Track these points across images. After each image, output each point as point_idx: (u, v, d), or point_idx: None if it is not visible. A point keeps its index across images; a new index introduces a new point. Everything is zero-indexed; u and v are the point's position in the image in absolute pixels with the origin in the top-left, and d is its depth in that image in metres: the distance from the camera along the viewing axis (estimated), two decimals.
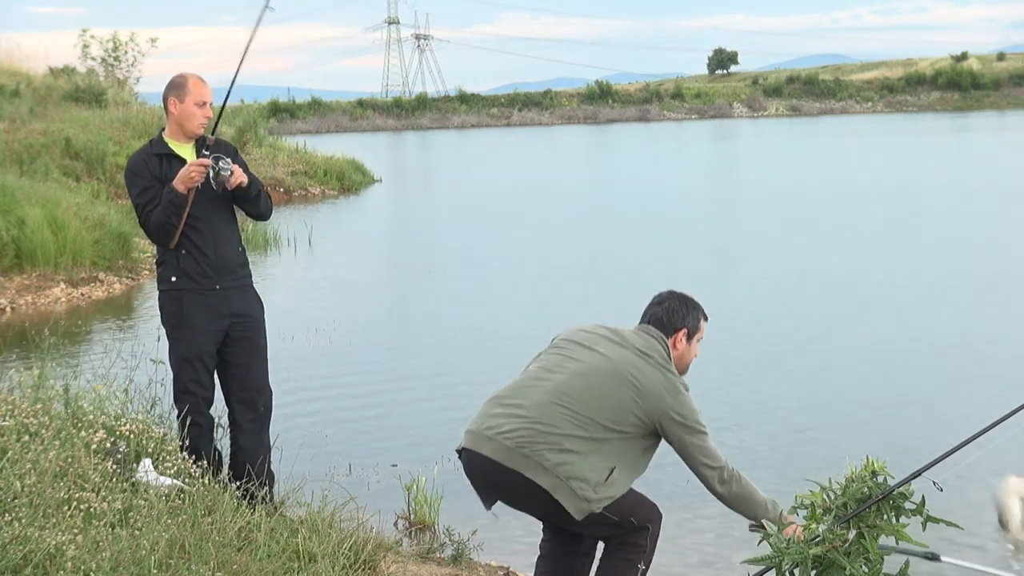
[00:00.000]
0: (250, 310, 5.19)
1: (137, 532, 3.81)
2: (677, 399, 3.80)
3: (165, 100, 5.08)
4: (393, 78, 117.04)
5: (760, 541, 3.93)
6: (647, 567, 3.85)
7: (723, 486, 3.79)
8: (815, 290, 12.54)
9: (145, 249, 13.96)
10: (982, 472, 6.08)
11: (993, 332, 10.15)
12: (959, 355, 9.40)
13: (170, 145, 5.05)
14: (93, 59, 28.14)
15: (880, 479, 3.87)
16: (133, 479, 4.44)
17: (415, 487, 5.76)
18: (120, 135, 20.92)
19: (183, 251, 4.99)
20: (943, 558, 3.95)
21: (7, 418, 4.72)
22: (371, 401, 8.37)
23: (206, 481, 4.54)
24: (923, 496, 3.85)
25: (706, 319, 4.11)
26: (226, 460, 5.30)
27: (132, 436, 4.78)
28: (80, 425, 4.85)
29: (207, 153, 4.98)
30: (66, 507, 3.89)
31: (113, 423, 4.98)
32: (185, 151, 5.06)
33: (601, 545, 3.97)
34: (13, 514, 3.65)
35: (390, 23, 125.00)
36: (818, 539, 3.81)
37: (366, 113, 73.20)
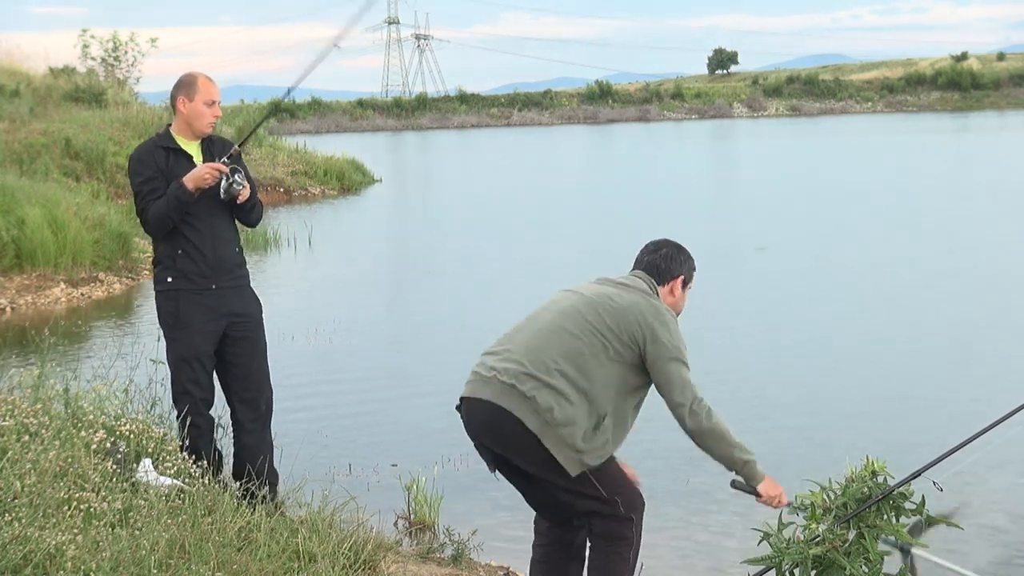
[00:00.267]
0: (248, 309, 5.19)
1: (137, 532, 3.81)
2: (660, 320, 3.76)
3: (174, 98, 5.09)
4: (393, 78, 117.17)
5: (760, 541, 3.94)
6: (635, 558, 3.85)
7: (693, 417, 3.71)
8: (815, 290, 12.54)
9: (145, 249, 13.95)
10: (982, 472, 6.10)
11: (993, 332, 10.15)
12: (959, 355, 9.40)
13: (177, 141, 5.06)
14: (93, 59, 28.16)
15: (880, 479, 3.88)
16: (133, 479, 4.44)
17: (415, 487, 5.76)
18: (120, 135, 20.93)
19: (180, 251, 4.98)
20: (914, 551, 3.95)
21: (7, 418, 4.72)
22: (371, 401, 8.37)
23: (206, 481, 4.55)
24: (923, 496, 3.85)
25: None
26: (227, 460, 5.30)
27: (132, 436, 4.78)
28: (80, 425, 4.85)
29: (227, 161, 4.98)
30: (66, 507, 3.89)
31: (113, 423, 4.98)
32: (191, 148, 5.06)
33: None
34: (13, 514, 3.65)
35: (390, 23, 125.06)
36: (818, 539, 3.81)
37: (366, 113, 73.23)
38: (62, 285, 12.59)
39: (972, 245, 15.34)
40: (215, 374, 5.17)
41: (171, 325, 5.03)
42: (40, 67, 26.39)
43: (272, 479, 5.18)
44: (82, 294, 12.56)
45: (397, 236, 19.79)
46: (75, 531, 3.70)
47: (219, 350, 5.11)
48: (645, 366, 3.76)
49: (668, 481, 5.95)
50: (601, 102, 76.18)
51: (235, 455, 5.23)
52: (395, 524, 5.70)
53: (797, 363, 9.32)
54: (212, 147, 5.09)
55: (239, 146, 5.14)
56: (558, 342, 3.73)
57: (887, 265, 13.86)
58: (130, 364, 6.37)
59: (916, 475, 3.84)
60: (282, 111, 66.42)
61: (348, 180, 26.81)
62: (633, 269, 4.01)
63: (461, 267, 15.00)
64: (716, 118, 71.74)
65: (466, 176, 32.79)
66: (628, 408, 3.81)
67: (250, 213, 5.18)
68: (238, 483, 4.95)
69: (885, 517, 3.84)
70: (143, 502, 4.13)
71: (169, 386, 5.20)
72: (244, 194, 5.00)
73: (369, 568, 4.28)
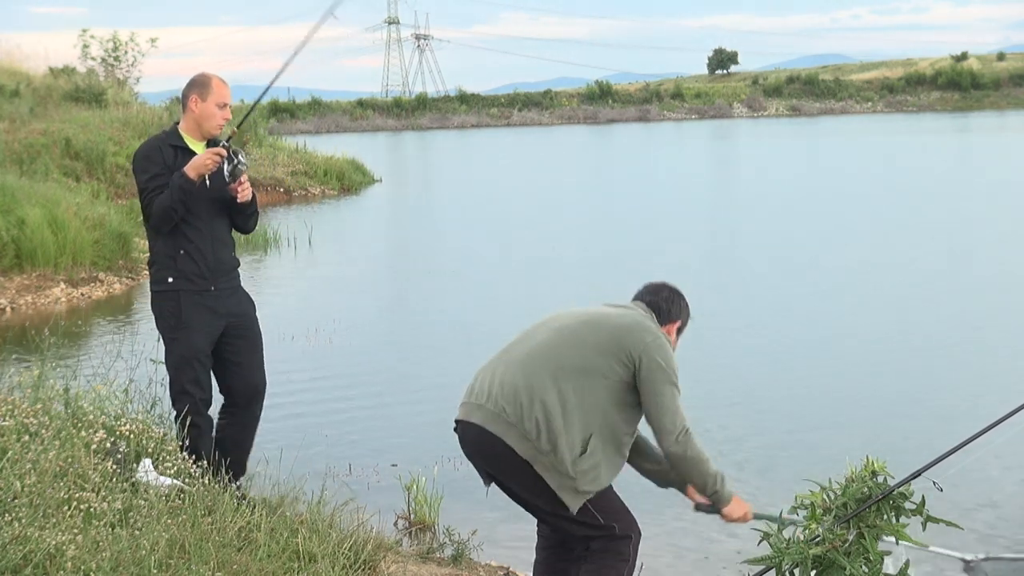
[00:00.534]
0: (245, 309, 5.22)
1: (137, 532, 3.81)
2: (659, 343, 3.75)
3: (186, 96, 5.09)
4: (393, 78, 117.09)
5: (760, 541, 3.94)
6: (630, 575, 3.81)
7: (678, 446, 3.69)
8: (814, 290, 12.54)
9: (145, 249, 13.91)
10: (982, 472, 6.10)
11: (993, 332, 10.16)
12: (959, 354, 9.40)
13: (185, 139, 5.07)
14: (93, 59, 28.18)
15: (880, 479, 3.88)
16: (133, 479, 4.44)
17: (415, 487, 5.76)
18: (120, 135, 20.94)
19: (182, 251, 4.99)
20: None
21: (7, 418, 4.72)
22: (371, 401, 8.37)
23: (206, 481, 4.54)
24: (923, 496, 3.85)
25: None
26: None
27: (132, 436, 4.77)
28: (80, 425, 4.85)
29: (226, 144, 4.99)
30: (66, 507, 3.89)
31: (113, 423, 4.98)
32: (198, 148, 5.07)
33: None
34: (13, 514, 3.65)
35: (390, 23, 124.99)
36: (818, 539, 3.81)
37: (366, 113, 73.20)
38: (62, 285, 12.60)
39: (972, 245, 15.34)
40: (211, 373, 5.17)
41: (172, 325, 5.03)
42: (40, 67, 26.44)
43: (238, 472, 5.14)
44: (82, 294, 12.56)
45: (397, 236, 19.79)
46: (75, 531, 3.70)
47: (216, 349, 5.11)
48: (637, 380, 3.72)
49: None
50: (601, 102, 76.16)
51: (217, 442, 5.19)
52: (395, 524, 5.70)
53: (797, 363, 9.32)
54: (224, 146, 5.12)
55: (237, 127, 5.15)
56: (551, 362, 3.70)
57: (887, 265, 13.86)
58: (130, 364, 6.37)
59: (916, 475, 3.84)
60: (281, 111, 66.49)
61: (348, 180, 26.81)
62: (632, 301, 3.99)
63: (461, 267, 15.00)
64: (716, 118, 71.73)
65: (466, 176, 32.80)
66: (622, 430, 3.75)
67: (248, 219, 5.20)
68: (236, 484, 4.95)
69: (885, 517, 3.83)
70: (143, 502, 4.13)
71: (169, 386, 5.20)
72: (246, 191, 5.00)
73: (369, 568, 4.28)
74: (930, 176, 26.68)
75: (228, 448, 5.11)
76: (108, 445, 4.64)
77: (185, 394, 5.01)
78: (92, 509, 3.92)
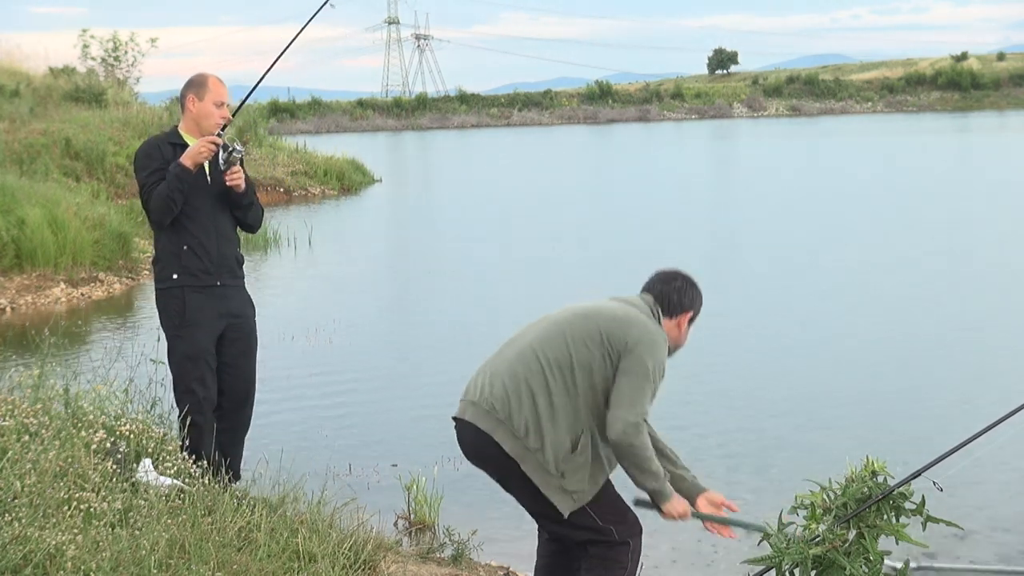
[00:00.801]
0: (245, 311, 5.24)
1: (137, 532, 3.81)
2: (651, 341, 3.66)
3: (183, 96, 5.14)
4: (393, 78, 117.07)
5: (760, 541, 3.94)
6: None
7: (625, 436, 3.57)
8: (814, 290, 12.54)
9: (145, 249, 13.96)
10: (982, 472, 6.10)
11: (993, 332, 10.16)
12: (959, 354, 9.40)
13: (185, 138, 5.10)
14: (93, 59, 28.18)
15: (880, 479, 3.88)
16: (133, 479, 4.44)
17: (415, 487, 5.76)
18: (120, 135, 20.93)
19: (185, 247, 5.01)
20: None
21: (7, 418, 4.72)
22: (371, 401, 8.37)
23: (206, 481, 4.55)
24: (923, 496, 3.85)
25: None
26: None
27: (132, 436, 4.77)
28: (80, 425, 4.85)
29: (220, 134, 5.03)
30: (66, 507, 3.89)
31: (113, 423, 4.98)
32: None
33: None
34: (13, 514, 3.65)
35: (390, 23, 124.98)
36: (818, 539, 3.81)
37: (366, 113, 73.20)
38: (62, 285, 12.59)
39: (972, 245, 15.34)
40: None
41: (177, 323, 5.03)
42: (40, 67, 26.42)
43: (232, 478, 5.16)
44: (82, 294, 12.56)
45: (397, 236, 19.79)
46: (75, 531, 3.70)
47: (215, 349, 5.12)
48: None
49: None
50: (601, 102, 76.16)
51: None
52: (395, 524, 5.70)
53: (797, 363, 9.32)
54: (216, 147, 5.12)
55: (231, 116, 5.19)
56: (542, 358, 3.67)
57: (887, 265, 13.86)
58: (130, 364, 6.37)
59: (916, 475, 3.84)
60: (281, 111, 66.44)
61: (348, 180, 26.80)
62: (641, 292, 3.93)
63: (461, 267, 15.00)
64: (716, 118, 71.73)
65: (466, 176, 32.79)
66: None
67: (247, 211, 5.20)
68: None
69: (885, 517, 3.83)
70: (143, 502, 4.13)
71: (169, 386, 5.20)
72: (239, 178, 5.01)
73: (369, 568, 4.28)
74: (930, 176, 26.67)
75: (220, 451, 5.11)
76: (108, 445, 4.64)
77: (190, 393, 5.01)
78: (92, 509, 3.92)
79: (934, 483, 3.81)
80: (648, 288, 3.93)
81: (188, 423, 4.91)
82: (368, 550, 4.31)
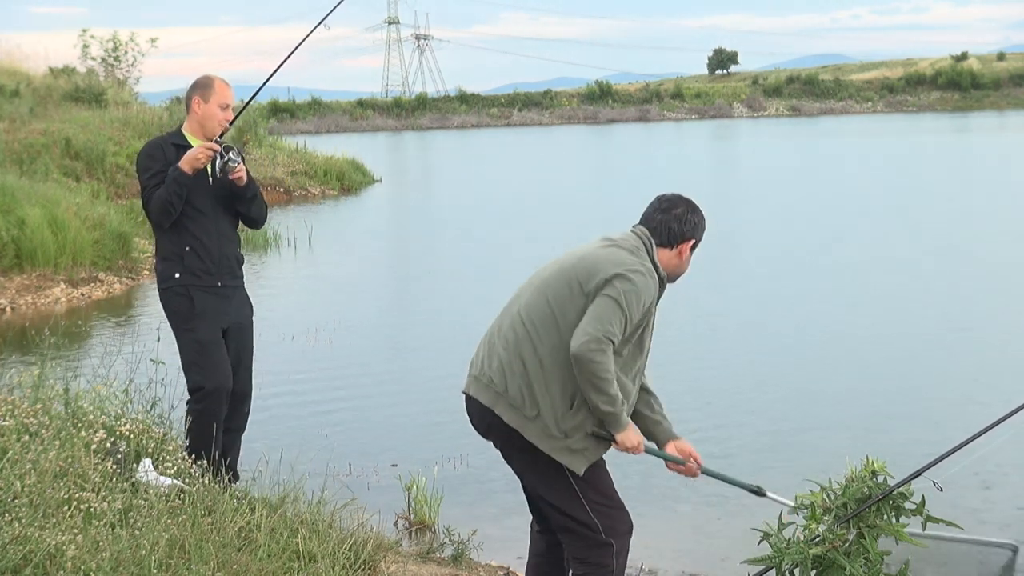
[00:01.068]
0: (245, 312, 5.27)
1: (137, 532, 3.81)
2: (625, 276, 3.56)
3: (189, 98, 5.17)
4: (393, 78, 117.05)
5: (760, 541, 3.94)
6: None
7: (586, 347, 3.46)
8: (814, 289, 12.54)
9: (145, 249, 13.96)
10: (982, 472, 6.10)
11: (994, 332, 10.16)
12: (959, 354, 9.40)
13: (188, 139, 5.13)
14: (93, 59, 28.18)
15: (880, 479, 3.88)
16: (133, 479, 4.44)
17: (415, 487, 5.76)
18: (120, 135, 20.93)
19: (187, 247, 5.04)
20: (768, 493, 3.95)
21: (7, 418, 4.72)
22: (371, 401, 8.37)
23: (206, 481, 4.55)
24: (923, 496, 3.86)
25: None
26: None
27: (132, 436, 4.78)
28: (80, 425, 4.85)
29: (219, 141, 5.05)
30: (66, 507, 3.89)
31: (113, 423, 4.98)
32: None
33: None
34: (13, 514, 3.65)
35: (390, 23, 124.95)
36: (818, 539, 3.81)
37: (366, 113, 73.19)
38: (62, 285, 12.59)
39: (973, 245, 15.34)
40: None
41: (186, 316, 5.05)
42: (40, 67, 26.43)
43: (232, 479, 5.17)
44: (82, 294, 12.56)
45: (397, 236, 19.79)
46: (75, 531, 3.71)
47: None
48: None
49: (668, 480, 5.94)
50: (601, 102, 76.15)
51: None
52: (395, 524, 5.70)
53: (796, 362, 9.31)
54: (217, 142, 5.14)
55: (230, 124, 5.20)
56: (529, 322, 3.65)
57: (887, 264, 13.86)
58: (130, 364, 6.37)
59: (916, 475, 3.85)
60: (281, 111, 66.45)
61: (348, 180, 26.81)
62: (639, 224, 3.83)
63: (461, 267, 15.01)
64: (716, 118, 71.72)
65: (466, 176, 32.79)
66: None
67: (251, 204, 5.21)
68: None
69: (885, 517, 3.84)
70: (143, 502, 4.13)
71: (169, 386, 5.21)
72: (240, 172, 5.04)
73: (369, 568, 4.28)
74: (930, 176, 26.67)
75: (219, 451, 5.11)
76: (108, 445, 4.65)
77: (208, 380, 5.00)
78: (92, 509, 3.92)
79: (934, 483, 3.82)
80: (646, 219, 3.83)
81: (202, 415, 4.90)
82: (368, 550, 4.31)
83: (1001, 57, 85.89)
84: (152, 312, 10.77)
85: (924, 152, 35.42)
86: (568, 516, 3.70)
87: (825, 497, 3.92)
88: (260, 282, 13.30)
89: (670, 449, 3.85)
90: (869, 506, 3.79)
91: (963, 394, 8.17)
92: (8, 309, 11.76)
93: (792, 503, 3.97)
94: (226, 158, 5.01)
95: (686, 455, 3.86)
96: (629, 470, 5.71)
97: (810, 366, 9.20)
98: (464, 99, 77.00)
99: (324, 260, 16.16)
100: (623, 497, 3.84)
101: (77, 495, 3.97)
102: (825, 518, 3.85)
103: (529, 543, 4.04)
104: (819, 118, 68.72)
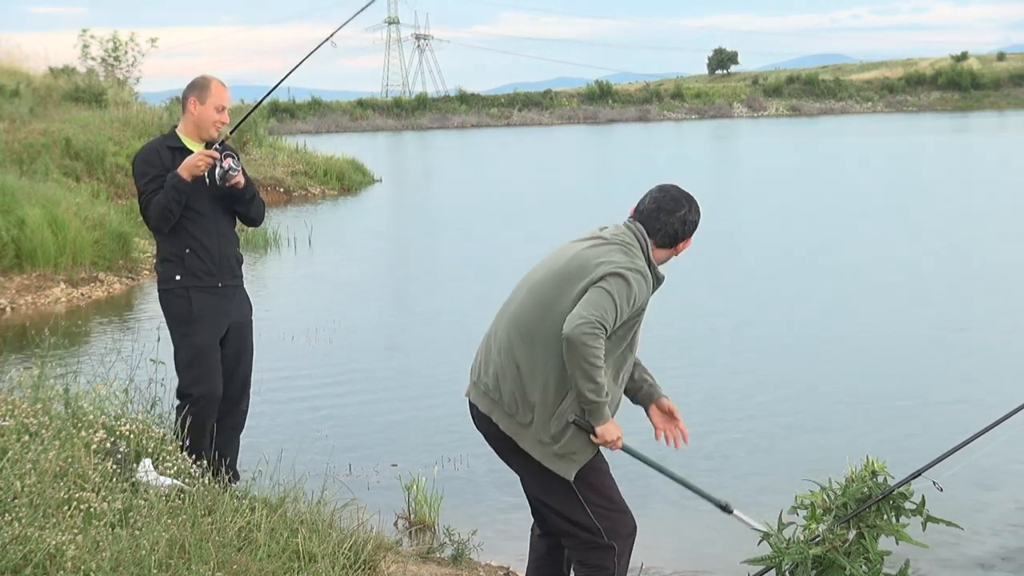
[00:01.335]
0: (243, 312, 5.28)
1: (137, 532, 3.81)
2: (615, 273, 3.53)
3: (185, 99, 5.15)
4: (393, 78, 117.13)
5: (760, 541, 3.94)
6: None
7: (578, 330, 3.42)
8: (813, 289, 12.53)
9: (145, 249, 13.96)
10: (982, 472, 6.10)
11: (994, 332, 10.16)
12: (959, 354, 9.40)
13: (183, 141, 5.11)
14: (93, 59, 28.18)
15: (880, 479, 3.88)
16: (133, 479, 4.44)
17: (415, 487, 5.76)
18: (120, 135, 20.92)
19: (188, 249, 5.05)
20: (735, 511, 3.93)
21: (7, 418, 4.72)
22: (371, 401, 8.37)
23: (206, 481, 4.55)
24: (923, 496, 3.86)
25: None
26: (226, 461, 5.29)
27: (132, 436, 4.78)
28: (80, 425, 4.85)
29: (218, 147, 5.04)
30: (66, 507, 3.89)
31: (113, 423, 4.98)
32: (196, 150, 5.09)
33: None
34: (13, 514, 3.65)
35: (390, 23, 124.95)
36: (818, 539, 3.81)
37: (366, 113, 73.20)
38: (62, 285, 12.59)
39: (973, 245, 15.34)
40: None
41: (185, 320, 5.05)
42: (40, 67, 26.42)
43: (232, 479, 5.17)
44: (82, 294, 12.55)
45: (397, 236, 19.79)
46: (75, 531, 3.70)
47: None
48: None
49: (664, 482, 5.94)
50: (601, 102, 76.16)
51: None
52: (395, 524, 5.70)
53: (796, 362, 9.31)
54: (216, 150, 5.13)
55: (231, 132, 5.20)
56: (522, 328, 3.64)
57: (887, 264, 13.86)
58: (130, 364, 6.37)
59: (916, 475, 3.84)
60: (281, 111, 66.45)
61: (348, 180, 26.80)
62: (634, 218, 3.80)
63: (461, 267, 15.01)
64: (716, 118, 71.72)
65: (466, 176, 32.79)
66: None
67: (249, 205, 5.21)
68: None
69: (885, 517, 3.84)
70: (143, 502, 4.13)
71: (169, 385, 5.20)
72: (238, 178, 5.03)
73: (369, 568, 4.28)
74: (930, 176, 26.67)
75: (217, 451, 5.11)
76: (108, 445, 4.64)
77: (198, 385, 5.01)
78: (92, 509, 3.92)
79: (934, 483, 3.81)
80: (645, 217, 3.78)
81: (192, 418, 4.91)
82: (368, 550, 4.31)
83: (1001, 57, 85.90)
84: (152, 312, 10.77)
85: (924, 152, 35.42)
86: (569, 519, 3.69)
87: (825, 497, 3.92)
88: (260, 282, 13.30)
89: (654, 410, 3.88)
90: (869, 506, 3.79)
91: (963, 394, 8.17)
92: (8, 309, 11.76)
93: (761, 526, 3.94)
94: (226, 167, 4.99)
95: (667, 411, 3.88)
96: (629, 471, 5.71)
97: (810, 366, 9.20)
98: (464, 99, 77.01)
99: (324, 260, 16.16)
100: (625, 496, 3.84)
101: (77, 495, 3.97)
102: (825, 518, 3.85)
103: (529, 545, 4.04)
104: (819, 118, 68.72)
